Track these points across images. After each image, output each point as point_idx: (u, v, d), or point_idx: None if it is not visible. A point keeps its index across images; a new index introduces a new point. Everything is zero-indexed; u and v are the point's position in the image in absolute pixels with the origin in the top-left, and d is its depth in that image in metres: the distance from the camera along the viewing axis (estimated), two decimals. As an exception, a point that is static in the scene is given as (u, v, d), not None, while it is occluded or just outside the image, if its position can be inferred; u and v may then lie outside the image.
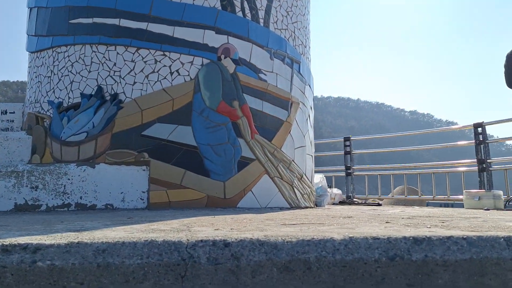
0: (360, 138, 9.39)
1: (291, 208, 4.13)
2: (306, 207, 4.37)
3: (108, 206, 3.47)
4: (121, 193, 3.51)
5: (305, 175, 4.49)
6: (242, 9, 4.06)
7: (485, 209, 4.47)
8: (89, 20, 3.88)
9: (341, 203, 8.35)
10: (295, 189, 4.24)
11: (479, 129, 7.15)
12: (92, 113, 3.72)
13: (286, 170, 4.18)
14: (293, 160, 4.29)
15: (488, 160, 7.00)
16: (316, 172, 7.02)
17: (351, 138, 8.85)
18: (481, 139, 7.09)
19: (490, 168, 6.97)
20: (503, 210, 4.47)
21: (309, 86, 4.84)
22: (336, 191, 8.64)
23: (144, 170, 3.58)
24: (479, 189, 6.99)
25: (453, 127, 8.18)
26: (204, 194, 3.67)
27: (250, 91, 4.00)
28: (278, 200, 4.05)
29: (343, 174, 8.92)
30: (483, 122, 7.06)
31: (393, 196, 8.37)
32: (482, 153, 7.06)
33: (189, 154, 3.66)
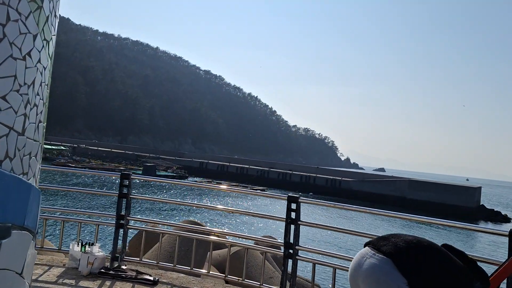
0: (138, 178, 6.91)
1: None
2: None
3: None
4: None
5: None
6: None
7: None
8: None
9: (102, 273, 5.79)
10: None
11: (293, 205, 5.70)
12: None
13: None
14: None
15: (296, 246, 5.66)
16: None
17: (131, 177, 6.25)
18: (293, 217, 5.66)
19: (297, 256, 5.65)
20: None
21: None
22: (97, 252, 5.99)
23: None
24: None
25: (269, 194, 6.63)
26: None
27: None
28: None
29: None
30: (299, 196, 5.63)
31: (175, 266, 6.28)
32: (291, 236, 5.67)
33: None
